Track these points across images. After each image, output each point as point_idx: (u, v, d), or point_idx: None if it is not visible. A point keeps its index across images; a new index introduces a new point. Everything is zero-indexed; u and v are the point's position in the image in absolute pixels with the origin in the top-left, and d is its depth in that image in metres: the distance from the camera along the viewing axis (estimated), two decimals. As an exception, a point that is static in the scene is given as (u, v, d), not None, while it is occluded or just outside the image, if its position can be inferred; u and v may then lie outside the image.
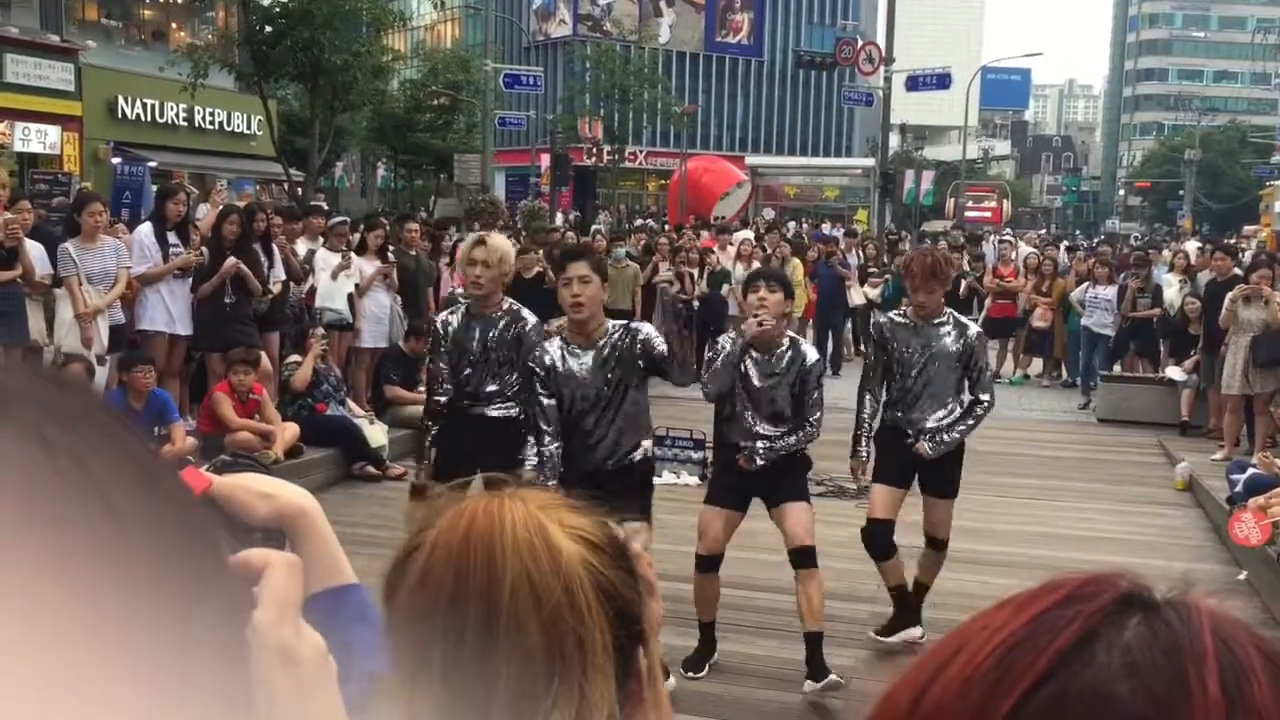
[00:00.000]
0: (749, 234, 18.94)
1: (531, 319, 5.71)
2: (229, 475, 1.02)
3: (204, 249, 8.93)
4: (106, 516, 0.42)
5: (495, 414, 5.59)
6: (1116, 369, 13.66)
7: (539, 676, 0.93)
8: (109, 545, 0.42)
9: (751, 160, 40.00)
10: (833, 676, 4.91)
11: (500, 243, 5.72)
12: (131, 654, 0.40)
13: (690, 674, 5.12)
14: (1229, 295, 10.24)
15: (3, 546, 0.39)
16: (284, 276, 9.78)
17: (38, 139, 21.06)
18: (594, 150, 37.24)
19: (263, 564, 0.73)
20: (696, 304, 14.56)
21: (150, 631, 0.41)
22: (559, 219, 26.11)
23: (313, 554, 1.13)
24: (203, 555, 0.46)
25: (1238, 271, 11.62)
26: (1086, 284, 14.25)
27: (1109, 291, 13.82)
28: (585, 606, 0.96)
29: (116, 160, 21.08)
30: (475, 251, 5.48)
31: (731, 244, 16.55)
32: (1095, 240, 32.29)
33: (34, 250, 8.06)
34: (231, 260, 8.77)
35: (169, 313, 8.73)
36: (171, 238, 8.79)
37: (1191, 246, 18.08)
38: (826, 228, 25.69)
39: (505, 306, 5.62)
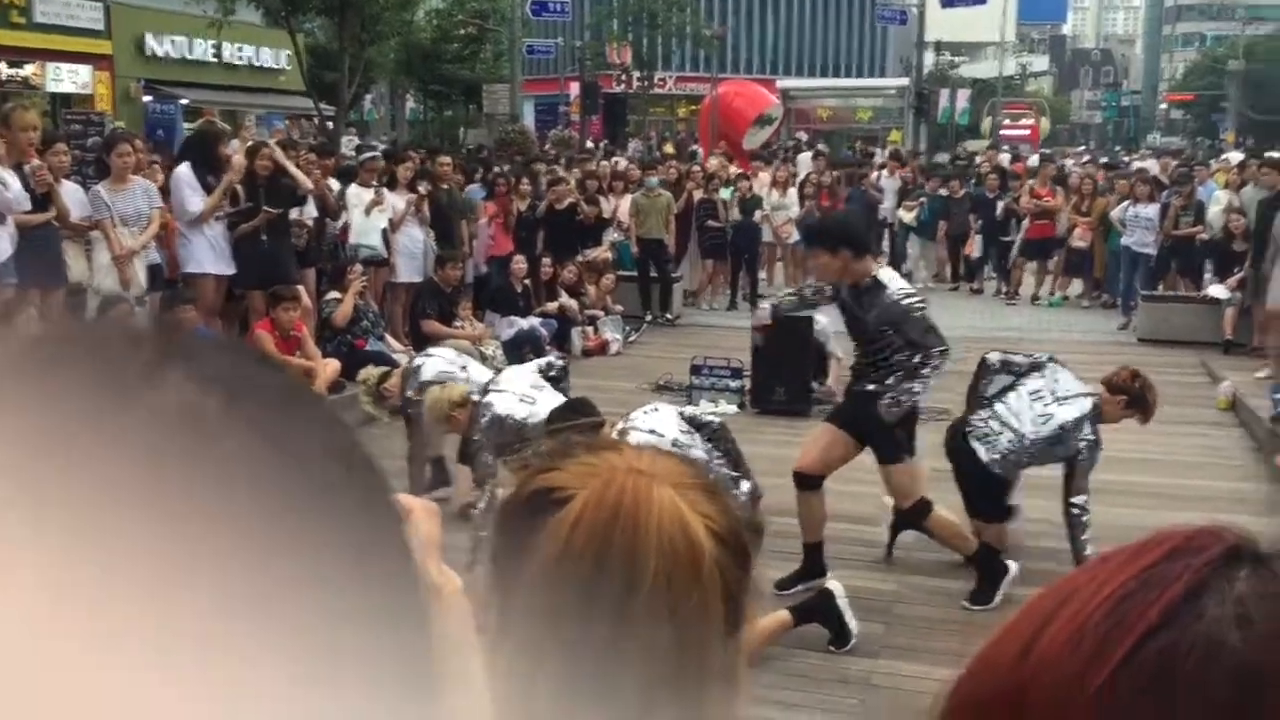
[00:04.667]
0: (806, 160, 18.71)
1: None
2: None
3: (239, 187, 8.94)
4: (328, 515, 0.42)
5: None
6: (1159, 289, 13.49)
7: (662, 676, 0.93)
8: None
9: (783, 83, 39.38)
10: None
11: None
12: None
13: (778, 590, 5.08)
14: (1280, 211, 10.06)
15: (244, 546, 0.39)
16: (316, 213, 9.80)
17: (70, 79, 21.08)
18: (623, 77, 36.82)
19: (403, 509, 0.76)
20: (730, 231, 14.47)
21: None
22: (590, 147, 25.91)
23: None
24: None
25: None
26: (1127, 202, 14.01)
27: (1150, 210, 13.59)
28: (713, 608, 0.96)
29: (147, 99, 21.10)
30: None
31: (764, 170, 16.39)
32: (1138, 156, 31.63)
33: (70, 192, 8.10)
34: (263, 214, 8.79)
35: (214, 254, 8.77)
36: (223, 182, 8.79)
37: (1235, 157, 17.71)
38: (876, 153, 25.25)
39: None
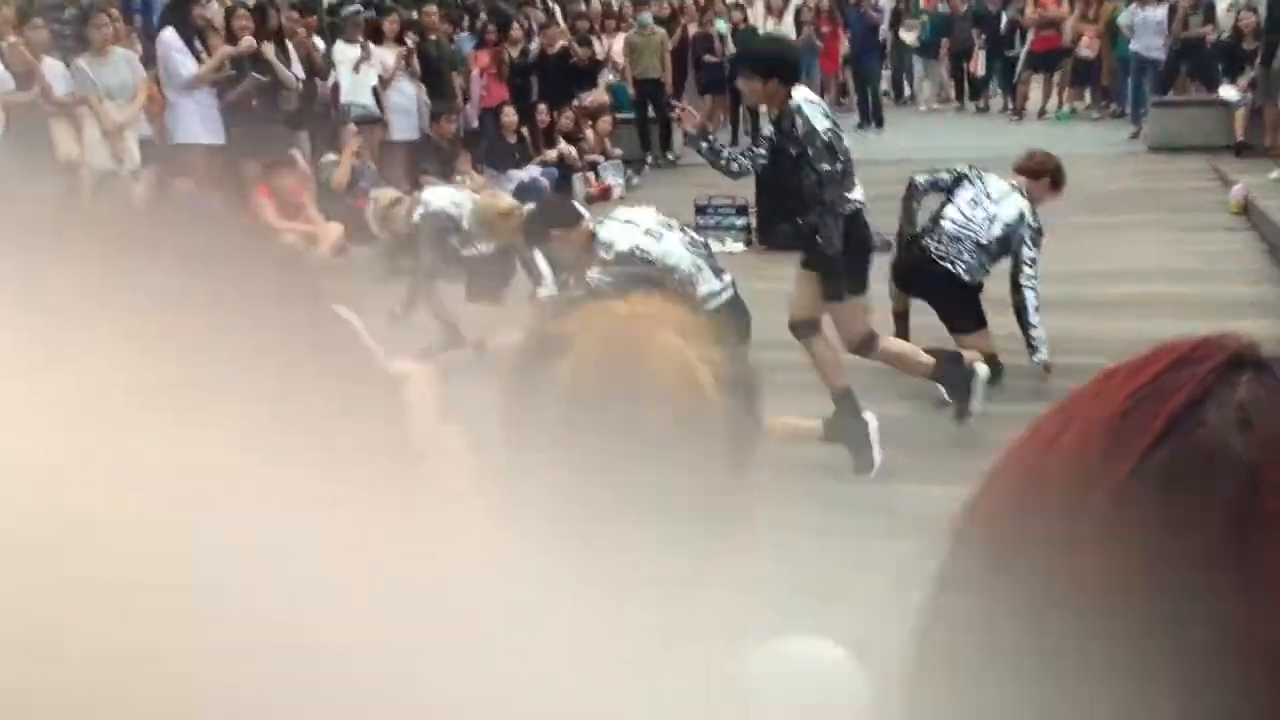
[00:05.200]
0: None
1: None
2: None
3: (224, 50, 8.74)
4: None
5: None
6: (1169, 95, 13.20)
7: (671, 518, 0.94)
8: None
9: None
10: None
11: None
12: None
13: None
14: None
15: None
16: (303, 74, 9.59)
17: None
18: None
19: (406, 372, 0.80)
20: (726, 66, 14.14)
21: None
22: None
23: None
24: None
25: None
26: (1134, 5, 13.60)
27: (1159, 11, 13.21)
28: (721, 452, 0.97)
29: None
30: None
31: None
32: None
33: (52, 69, 7.93)
34: (250, 79, 8.61)
35: (204, 122, 8.63)
36: (212, 51, 8.59)
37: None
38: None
39: None
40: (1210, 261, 8.01)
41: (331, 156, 9.46)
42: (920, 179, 6.05)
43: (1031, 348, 5.71)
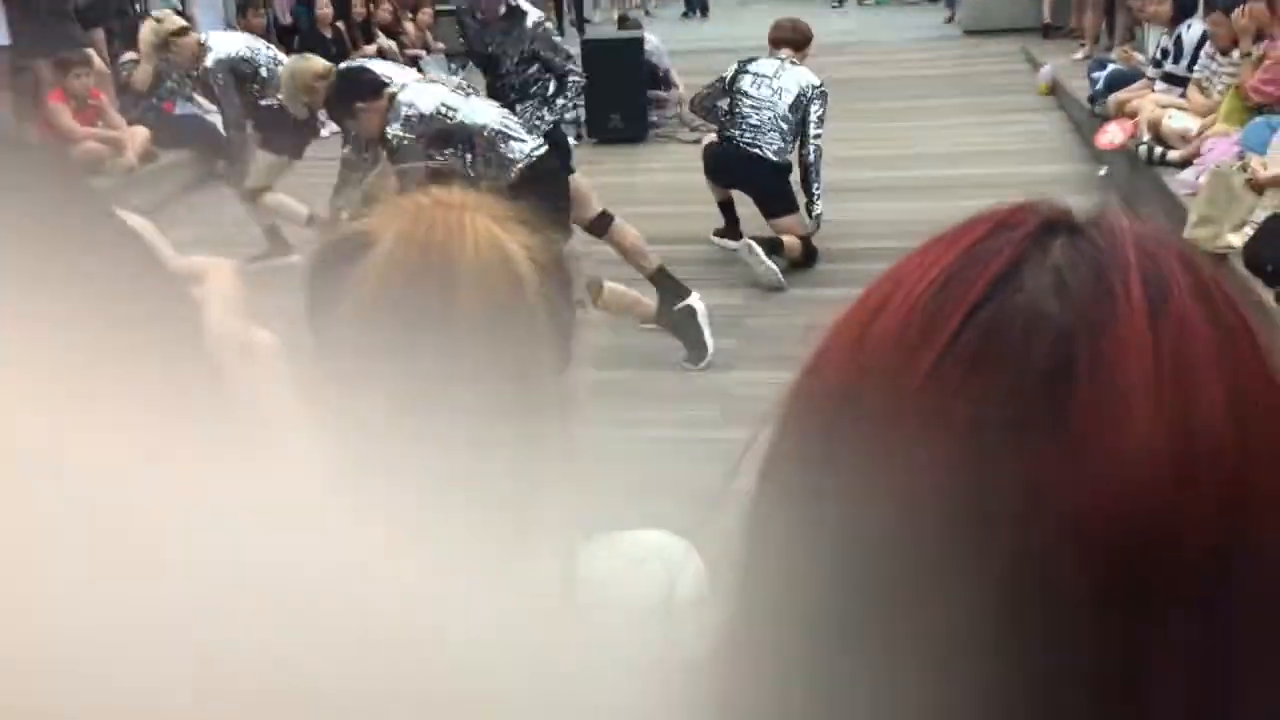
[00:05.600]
0: None
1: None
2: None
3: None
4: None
5: None
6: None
7: (490, 406, 0.92)
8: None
9: None
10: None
11: None
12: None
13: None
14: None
15: None
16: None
17: None
18: None
19: (202, 269, 0.76)
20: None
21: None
22: None
23: None
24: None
25: None
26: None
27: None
28: (542, 338, 0.95)
29: None
30: None
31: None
32: None
33: None
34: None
35: None
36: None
37: None
38: None
39: None
40: (1021, 141, 8.31)
41: (131, 55, 8.89)
42: (702, 91, 6.43)
43: (811, 204, 6.05)
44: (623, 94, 8.93)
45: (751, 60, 6.23)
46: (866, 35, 12.74)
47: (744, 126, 6.01)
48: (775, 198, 5.99)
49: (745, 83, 6.06)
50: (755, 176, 5.99)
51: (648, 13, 15.57)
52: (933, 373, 0.45)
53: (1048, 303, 0.45)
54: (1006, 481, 0.44)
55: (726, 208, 6.34)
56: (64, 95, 7.81)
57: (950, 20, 13.42)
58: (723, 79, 6.23)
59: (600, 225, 5.11)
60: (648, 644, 0.90)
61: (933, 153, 7.97)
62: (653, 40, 9.40)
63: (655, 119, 9.28)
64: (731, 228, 6.28)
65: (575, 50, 6.75)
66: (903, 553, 0.45)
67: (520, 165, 4.63)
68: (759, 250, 5.69)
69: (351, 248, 0.95)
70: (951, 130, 8.62)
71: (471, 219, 0.96)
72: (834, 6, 15.46)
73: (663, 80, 9.64)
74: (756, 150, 5.95)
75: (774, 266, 5.67)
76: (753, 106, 6.00)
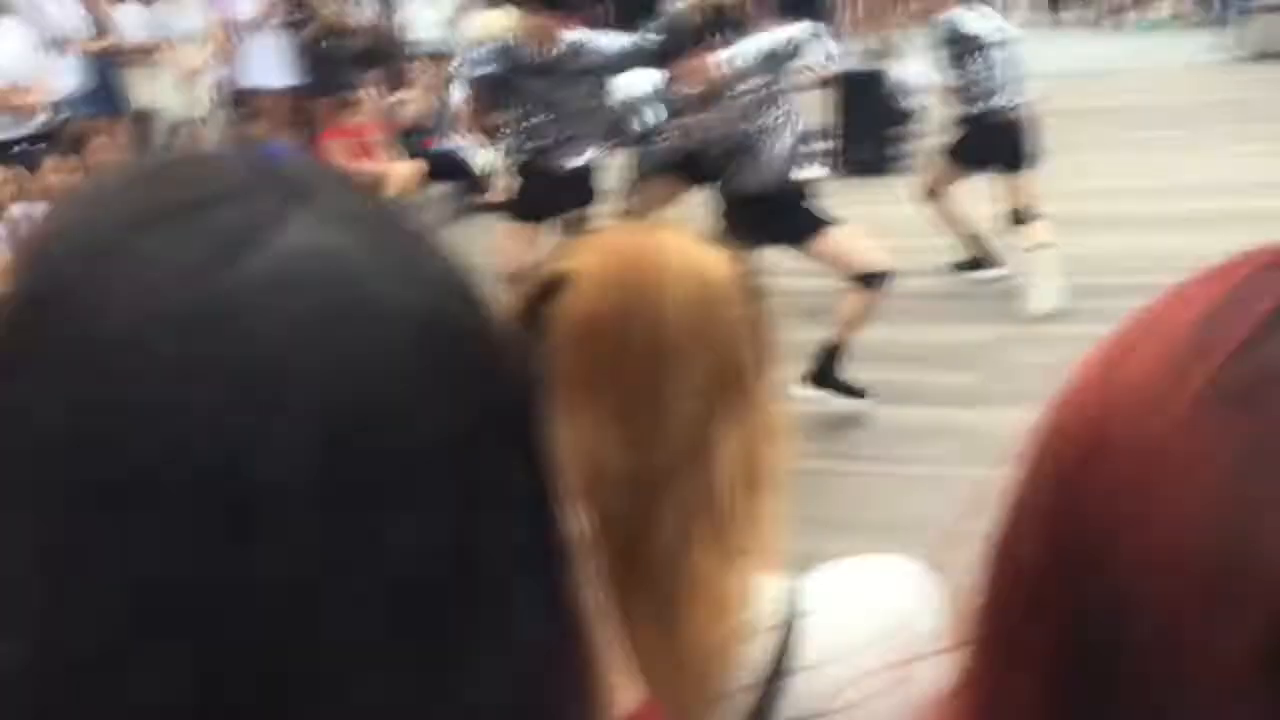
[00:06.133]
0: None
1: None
2: None
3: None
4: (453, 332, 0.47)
5: None
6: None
7: (711, 406, 0.94)
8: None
9: None
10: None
11: None
12: None
13: None
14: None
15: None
16: (373, 10, 9.57)
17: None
18: None
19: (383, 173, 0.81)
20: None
21: None
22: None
23: None
24: None
25: None
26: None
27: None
28: (745, 340, 0.97)
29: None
30: None
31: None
32: None
33: (127, 15, 8.00)
34: (330, 10, 8.63)
35: (273, 65, 8.67)
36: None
37: None
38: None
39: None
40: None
41: (400, 96, 9.45)
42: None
43: None
44: (871, 126, 8.84)
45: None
46: (1133, 60, 12.11)
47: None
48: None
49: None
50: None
51: (904, 47, 15.35)
52: (1191, 415, 0.42)
53: None
54: (1271, 537, 0.39)
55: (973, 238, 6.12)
56: (340, 133, 8.37)
57: (1228, 44, 12.61)
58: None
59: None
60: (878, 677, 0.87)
61: (1203, 184, 7.48)
62: (905, 71, 9.23)
63: (898, 151, 9.11)
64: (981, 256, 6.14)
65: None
66: (1147, 608, 0.42)
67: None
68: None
69: (551, 289, 0.97)
70: (1226, 161, 8.08)
71: (667, 243, 0.98)
72: (1094, 32, 14.80)
73: (912, 113, 9.45)
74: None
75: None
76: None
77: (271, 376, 0.41)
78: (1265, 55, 11.51)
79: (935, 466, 4.26)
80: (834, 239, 4.70)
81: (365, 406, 0.43)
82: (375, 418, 0.43)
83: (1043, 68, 8.79)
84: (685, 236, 0.99)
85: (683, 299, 0.94)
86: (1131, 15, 14.67)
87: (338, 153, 8.34)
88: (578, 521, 0.52)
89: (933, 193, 6.27)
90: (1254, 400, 0.41)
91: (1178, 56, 12.44)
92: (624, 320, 0.94)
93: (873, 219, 5.86)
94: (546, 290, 0.97)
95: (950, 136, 6.18)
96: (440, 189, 8.91)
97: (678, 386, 0.93)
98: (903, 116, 9.31)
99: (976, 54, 5.75)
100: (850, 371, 5.01)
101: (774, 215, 4.70)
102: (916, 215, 7.23)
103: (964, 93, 5.90)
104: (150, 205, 0.44)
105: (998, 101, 5.77)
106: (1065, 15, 15.78)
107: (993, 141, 5.82)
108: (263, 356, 0.42)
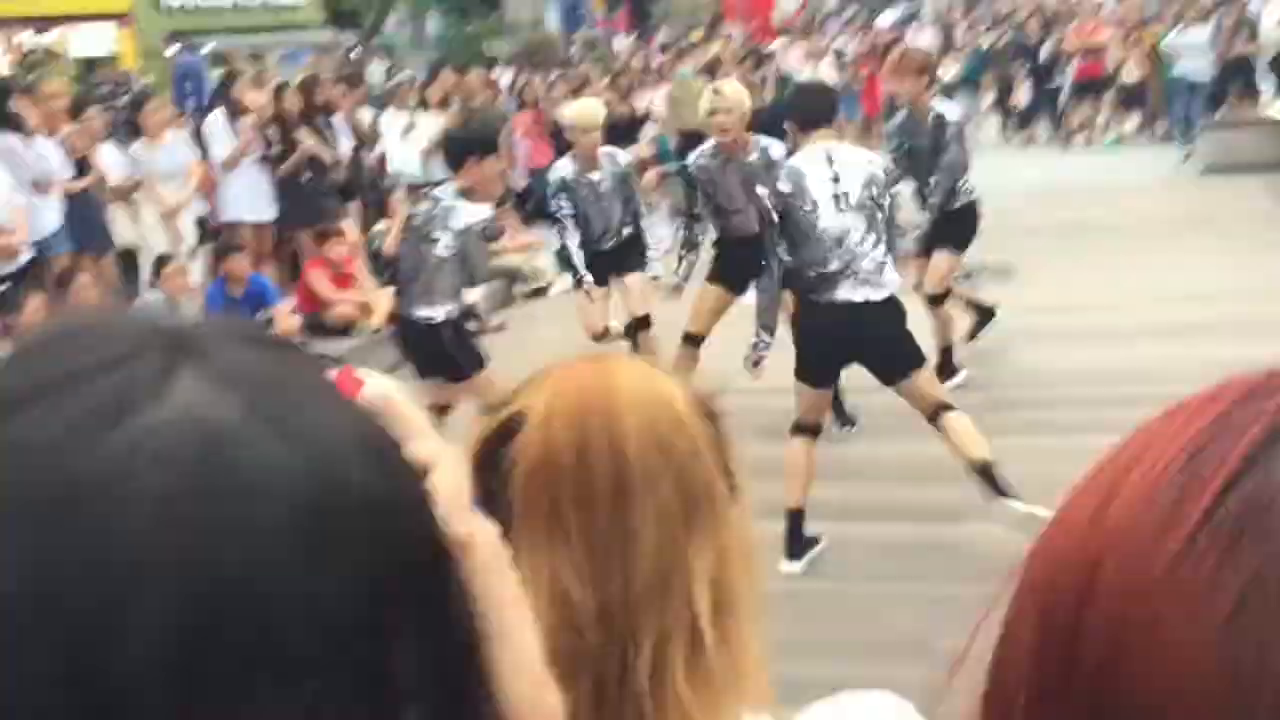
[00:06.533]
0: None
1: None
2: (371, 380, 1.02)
3: (271, 129, 8.93)
4: (344, 498, 0.44)
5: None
6: (1217, 115, 13.03)
7: (677, 528, 0.93)
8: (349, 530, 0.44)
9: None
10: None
11: (735, 89, 6.04)
12: None
13: None
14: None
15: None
16: (352, 144, 9.75)
17: (94, 41, 21.07)
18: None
19: (429, 457, 0.75)
20: (764, 113, 14.16)
21: None
22: (616, 43, 25.44)
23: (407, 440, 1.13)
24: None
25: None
26: (1177, 28, 13.48)
27: (1202, 33, 13.08)
28: (707, 457, 0.95)
29: (171, 51, 21.09)
30: (715, 101, 5.80)
31: (795, 44, 15.98)
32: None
33: (108, 155, 8.13)
34: (309, 144, 8.80)
35: (250, 200, 8.81)
36: (242, 125, 8.79)
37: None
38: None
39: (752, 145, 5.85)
40: (1270, 281, 7.83)
41: (382, 225, 9.58)
42: None
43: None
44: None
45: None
46: (1099, 175, 12.41)
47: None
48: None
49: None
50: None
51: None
52: (1186, 550, 0.41)
53: None
54: (1271, 678, 0.39)
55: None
56: (322, 263, 8.46)
57: (1187, 159, 12.95)
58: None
59: None
60: None
61: (1180, 293, 7.61)
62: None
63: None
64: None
65: None
66: None
67: None
68: None
69: (507, 431, 0.96)
70: (1198, 270, 8.24)
71: (619, 374, 0.98)
72: (1062, 149, 15.18)
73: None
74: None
75: None
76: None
77: (128, 567, 0.39)
78: (1219, 169, 11.85)
79: (920, 584, 4.22)
80: None
81: (230, 593, 0.40)
82: (241, 605, 0.40)
83: (1013, 184, 8.98)
84: (637, 365, 1.00)
85: (640, 428, 0.93)
86: (1098, 133, 15.06)
87: (320, 283, 8.42)
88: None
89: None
90: (1251, 532, 0.40)
91: (1139, 172, 12.76)
92: (582, 455, 0.93)
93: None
94: (502, 432, 0.96)
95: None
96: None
97: (643, 514, 0.92)
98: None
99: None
100: (828, 489, 5.01)
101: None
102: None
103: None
104: (25, 383, 0.43)
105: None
106: (1037, 133, 16.20)
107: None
108: (119, 545, 0.39)
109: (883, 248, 4.57)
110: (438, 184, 10.01)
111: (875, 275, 4.53)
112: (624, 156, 6.79)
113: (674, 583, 0.92)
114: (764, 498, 4.55)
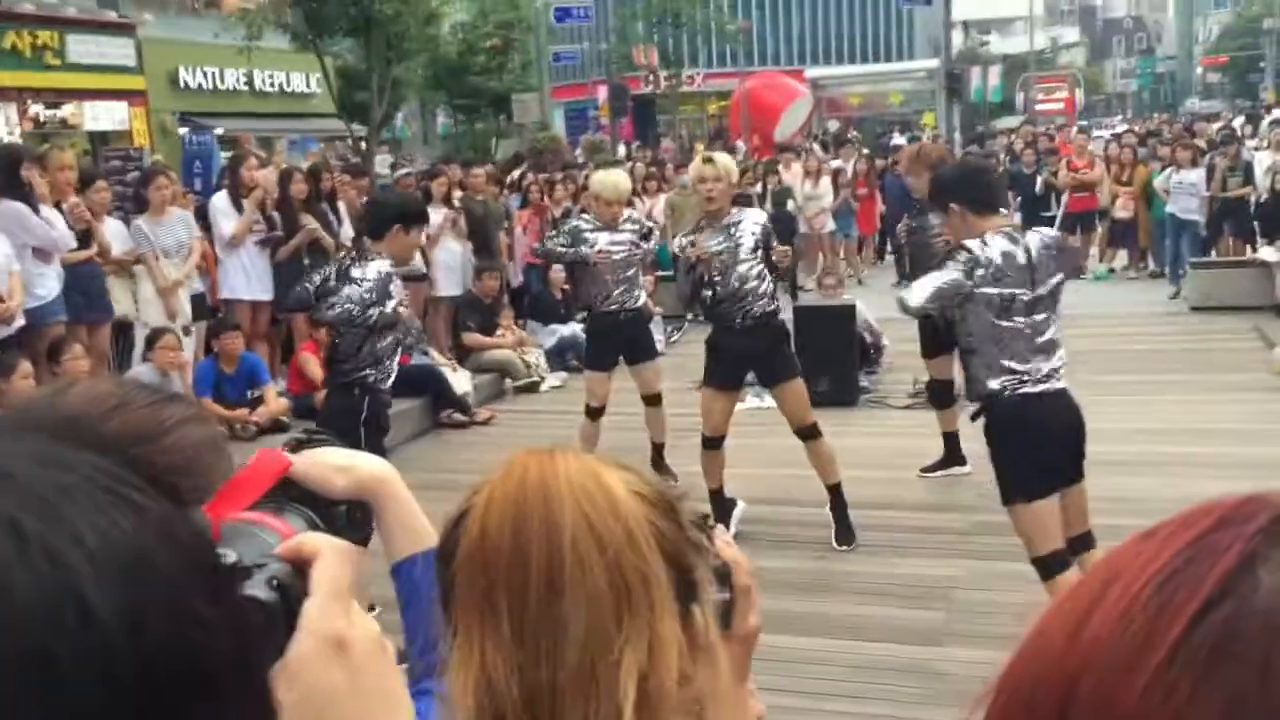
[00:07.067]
0: (816, 149, 18.62)
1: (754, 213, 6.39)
2: (306, 451, 1.03)
3: (275, 214, 9.04)
4: (80, 618, 0.42)
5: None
6: (1212, 254, 13.25)
7: (608, 617, 0.92)
8: (81, 650, 0.41)
9: (811, 73, 39.16)
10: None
11: (726, 159, 6.27)
12: None
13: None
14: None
15: None
16: (353, 233, 9.85)
17: (107, 116, 21.39)
18: (650, 77, 36.74)
19: (313, 552, 0.74)
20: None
21: None
22: (621, 150, 25.91)
23: (395, 521, 1.15)
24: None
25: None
26: (1170, 169, 13.78)
27: (1194, 175, 13.36)
28: (646, 546, 0.95)
29: (183, 131, 21.42)
30: (705, 169, 5.95)
31: (796, 161, 16.29)
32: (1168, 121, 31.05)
33: (112, 228, 8.21)
34: (312, 225, 8.91)
35: (249, 279, 8.88)
36: (246, 204, 8.90)
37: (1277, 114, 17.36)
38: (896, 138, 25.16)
39: (733, 213, 6.10)
40: (1258, 421, 7.90)
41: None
42: None
43: None
44: (832, 359, 9.05)
45: None
46: (1088, 307, 12.57)
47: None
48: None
49: None
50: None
51: (860, 281, 15.91)
52: (1159, 678, 0.42)
53: None
54: None
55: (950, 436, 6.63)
56: (315, 346, 8.49)
57: (1175, 296, 13.14)
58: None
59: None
60: None
61: (1164, 428, 7.67)
62: (860, 308, 9.58)
63: (866, 384, 9.32)
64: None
65: (789, 315, 7.16)
66: None
67: None
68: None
69: (457, 521, 0.98)
70: (1183, 406, 8.30)
71: (561, 455, 0.98)
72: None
73: (872, 347, 9.73)
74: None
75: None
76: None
77: None
78: (1205, 307, 12.02)
79: (895, 707, 4.18)
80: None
81: None
82: None
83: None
84: (582, 456, 1.00)
85: (576, 516, 0.94)
86: (1089, 265, 15.25)
87: (311, 365, 8.44)
88: None
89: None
90: (1228, 657, 0.41)
91: (1127, 306, 12.93)
92: (517, 542, 0.93)
93: (838, 451, 5.95)
94: (455, 523, 0.98)
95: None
96: (413, 402, 8.98)
97: (574, 602, 0.92)
98: (867, 350, 9.57)
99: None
100: (810, 603, 4.98)
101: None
102: (879, 448, 7.34)
103: None
104: None
105: None
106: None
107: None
108: None
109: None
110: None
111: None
112: (640, 214, 7.26)
113: (600, 673, 0.91)
114: (773, 609, 4.56)
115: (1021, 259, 4.23)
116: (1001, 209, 4.65)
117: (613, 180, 6.85)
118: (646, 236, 7.11)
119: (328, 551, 0.74)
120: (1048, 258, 4.31)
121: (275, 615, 0.71)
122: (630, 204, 7.31)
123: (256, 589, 0.71)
